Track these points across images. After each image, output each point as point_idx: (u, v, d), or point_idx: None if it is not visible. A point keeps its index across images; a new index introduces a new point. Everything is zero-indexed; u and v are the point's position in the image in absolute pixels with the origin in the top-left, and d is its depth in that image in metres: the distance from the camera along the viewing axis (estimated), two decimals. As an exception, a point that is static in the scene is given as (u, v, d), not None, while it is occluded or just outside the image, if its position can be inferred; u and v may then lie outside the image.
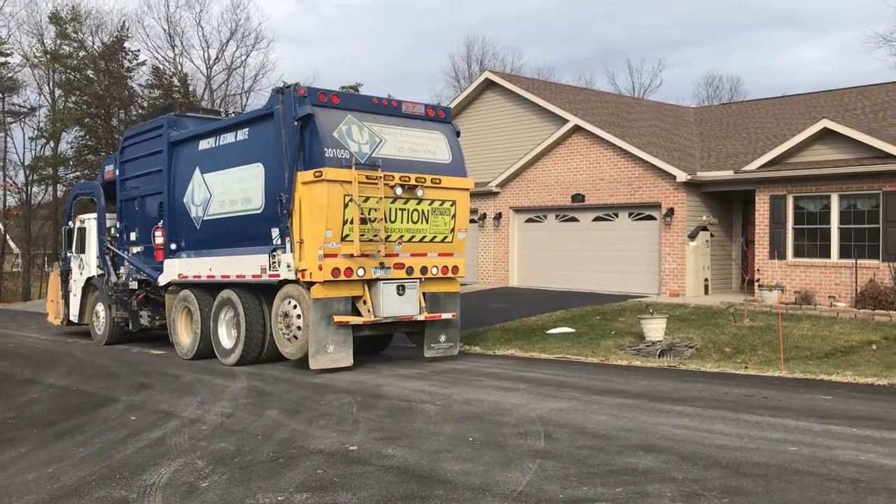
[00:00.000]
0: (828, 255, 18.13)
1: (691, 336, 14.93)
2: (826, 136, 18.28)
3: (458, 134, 13.78)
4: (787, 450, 7.08)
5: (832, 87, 25.88)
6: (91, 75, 40.87)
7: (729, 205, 21.87)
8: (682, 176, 20.33)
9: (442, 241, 13.14)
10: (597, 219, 22.70)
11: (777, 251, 18.72)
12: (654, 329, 14.71)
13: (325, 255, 11.77)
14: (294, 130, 11.91)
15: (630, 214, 22.00)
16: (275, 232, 12.48)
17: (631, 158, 21.59)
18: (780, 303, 16.73)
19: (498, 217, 24.91)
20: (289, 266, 12.14)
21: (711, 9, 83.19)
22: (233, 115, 15.85)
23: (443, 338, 13.34)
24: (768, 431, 7.80)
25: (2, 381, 12.40)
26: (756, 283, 18.98)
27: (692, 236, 20.48)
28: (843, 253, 17.89)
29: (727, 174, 20.14)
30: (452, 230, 13.23)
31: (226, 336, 13.56)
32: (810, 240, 18.49)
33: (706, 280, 20.91)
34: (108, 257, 17.12)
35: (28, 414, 9.75)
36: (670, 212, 20.64)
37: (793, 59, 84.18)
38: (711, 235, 21.07)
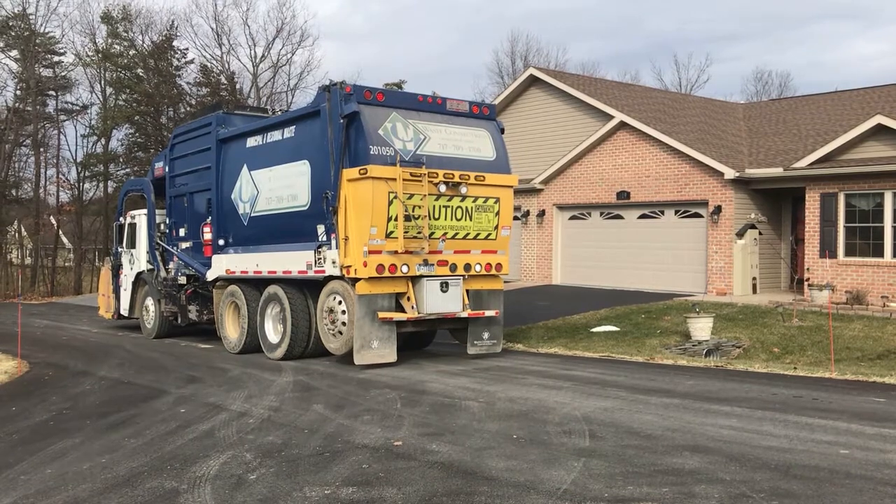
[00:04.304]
0: (881, 254, 17.71)
1: (739, 336, 14.72)
2: (880, 132, 17.86)
3: (502, 131, 13.76)
4: (839, 452, 6.94)
5: (887, 83, 25.24)
6: (141, 74, 41.72)
7: (778, 202, 21.48)
8: (730, 173, 20.03)
9: (486, 238, 13.14)
10: (642, 216, 22.48)
11: (828, 250, 18.35)
12: (701, 328, 14.53)
13: (370, 252, 11.86)
14: (340, 128, 12.02)
15: (676, 212, 21.74)
16: (320, 229, 12.62)
17: (678, 155, 21.33)
18: (830, 303, 16.38)
19: (541, 214, 24.81)
20: (334, 262, 12.25)
21: (761, 2, 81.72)
22: (279, 112, 16.05)
23: (486, 335, 13.34)
24: (818, 433, 7.66)
25: (57, 372, 12.74)
26: (806, 283, 18.63)
27: (740, 234, 20.17)
28: (897, 252, 17.47)
29: (776, 171, 19.78)
30: (496, 227, 13.23)
31: (272, 331, 13.76)
32: (862, 238, 18.08)
33: (754, 279, 20.57)
34: (157, 252, 17.48)
35: (82, 405, 10.02)
36: (718, 209, 20.35)
37: (846, 54, 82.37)
38: (760, 234, 20.72)
